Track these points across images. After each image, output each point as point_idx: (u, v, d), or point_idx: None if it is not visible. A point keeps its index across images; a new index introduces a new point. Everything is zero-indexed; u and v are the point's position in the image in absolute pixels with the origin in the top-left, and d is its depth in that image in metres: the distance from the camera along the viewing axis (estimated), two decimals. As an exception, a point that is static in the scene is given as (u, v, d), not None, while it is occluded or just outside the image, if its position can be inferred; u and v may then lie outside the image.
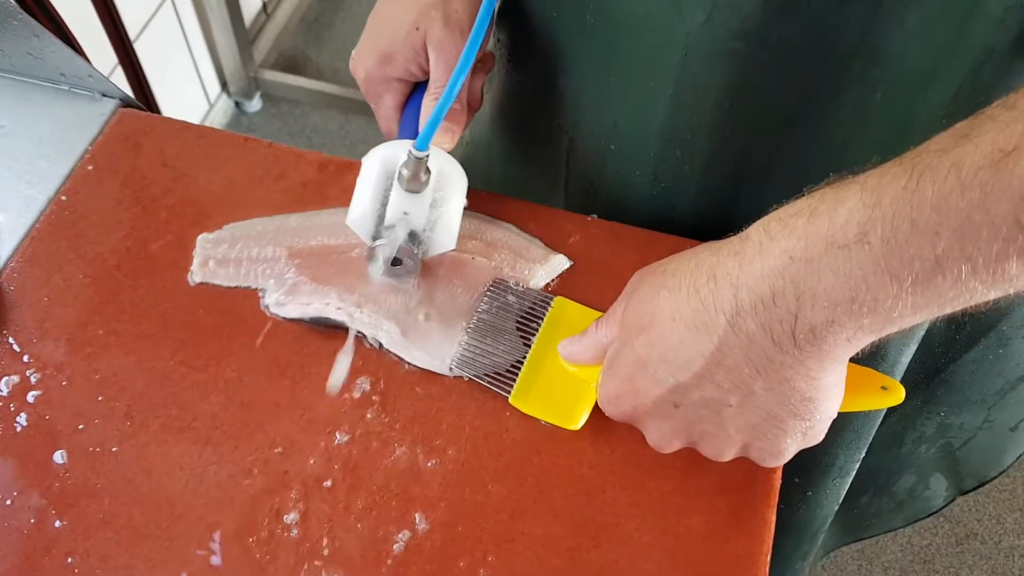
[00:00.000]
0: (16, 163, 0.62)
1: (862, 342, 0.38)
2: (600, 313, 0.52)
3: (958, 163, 0.32)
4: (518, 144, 0.51)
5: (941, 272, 0.33)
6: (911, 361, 0.66)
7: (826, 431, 0.44)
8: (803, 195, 0.38)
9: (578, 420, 0.52)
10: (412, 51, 0.56)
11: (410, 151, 0.50)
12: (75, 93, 0.66)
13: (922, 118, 0.48)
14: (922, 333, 0.64)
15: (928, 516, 0.90)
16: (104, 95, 0.65)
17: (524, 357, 0.54)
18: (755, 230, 0.39)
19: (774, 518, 0.50)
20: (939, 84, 0.46)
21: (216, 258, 0.58)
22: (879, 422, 0.71)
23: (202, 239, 0.59)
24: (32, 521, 0.49)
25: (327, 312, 0.55)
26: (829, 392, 0.41)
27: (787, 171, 0.53)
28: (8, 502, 0.49)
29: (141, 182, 0.61)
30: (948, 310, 0.35)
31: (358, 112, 1.83)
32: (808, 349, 0.38)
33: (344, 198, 0.61)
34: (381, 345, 0.54)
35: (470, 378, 0.53)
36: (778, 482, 0.51)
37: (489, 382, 0.53)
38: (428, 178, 0.53)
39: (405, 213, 0.52)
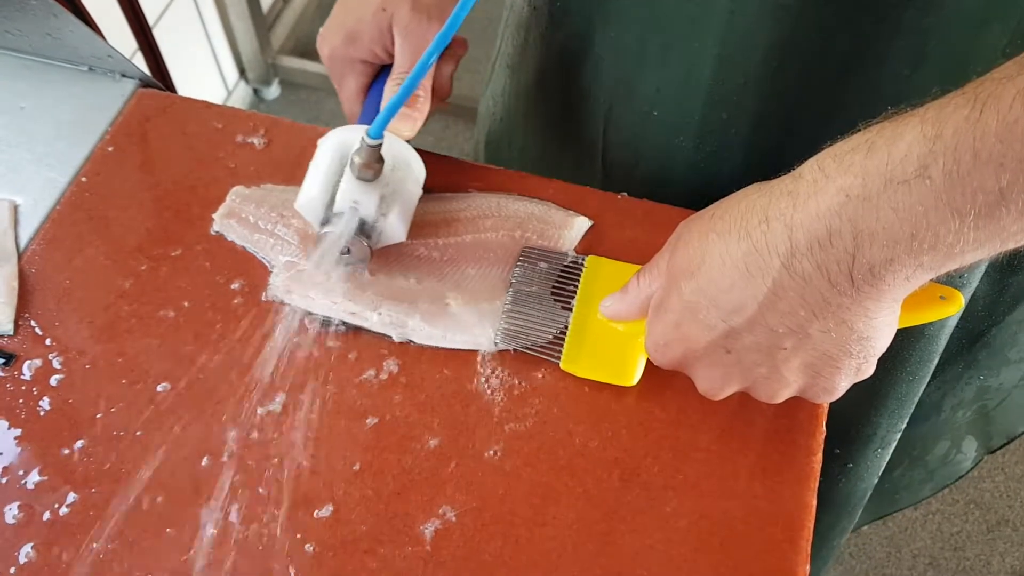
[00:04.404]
0: (36, 145, 0.61)
1: (921, 280, 0.37)
2: (636, 266, 0.50)
3: None
4: (553, 117, 0.49)
5: (1005, 205, 0.32)
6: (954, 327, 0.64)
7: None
8: (859, 130, 0.36)
9: (632, 376, 0.51)
10: (378, 32, 0.54)
11: (363, 138, 0.48)
12: (95, 74, 0.65)
13: (977, 67, 0.47)
14: (968, 295, 0.62)
15: (955, 481, 0.88)
16: (124, 75, 0.64)
17: (567, 321, 0.53)
18: (809, 168, 0.38)
19: (815, 503, 0.48)
20: (994, 27, 0.44)
21: (238, 215, 0.57)
22: (922, 389, 0.69)
23: (234, 191, 0.59)
24: (56, 507, 0.48)
25: (335, 313, 0.54)
26: (884, 330, 0.40)
27: (837, 130, 0.52)
28: (31, 487, 0.48)
29: (162, 163, 0.60)
30: (1011, 245, 0.34)
31: (377, 98, 1.81)
32: (866, 289, 0.37)
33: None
34: (411, 341, 0.53)
35: (516, 350, 0.52)
36: (819, 466, 0.49)
37: (538, 352, 0.52)
38: (381, 167, 0.50)
39: (355, 202, 0.50)
